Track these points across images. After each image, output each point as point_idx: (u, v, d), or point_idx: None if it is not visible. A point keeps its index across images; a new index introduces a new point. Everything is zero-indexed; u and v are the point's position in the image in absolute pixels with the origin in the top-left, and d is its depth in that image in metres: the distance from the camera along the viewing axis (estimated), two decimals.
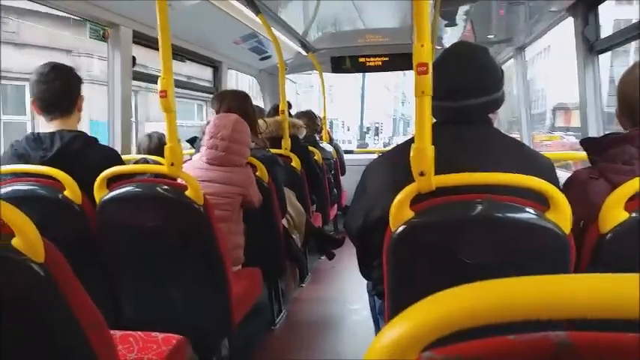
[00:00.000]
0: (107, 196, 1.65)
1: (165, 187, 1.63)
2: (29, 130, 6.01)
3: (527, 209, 1.06)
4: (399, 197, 1.08)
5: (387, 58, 4.96)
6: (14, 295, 0.99)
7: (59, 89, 1.74)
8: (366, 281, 1.55)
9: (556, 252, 1.08)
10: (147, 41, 2.89)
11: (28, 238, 0.95)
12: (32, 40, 6.46)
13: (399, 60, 4.94)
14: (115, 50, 2.69)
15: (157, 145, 2.74)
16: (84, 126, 6.22)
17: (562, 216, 1.05)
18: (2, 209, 0.99)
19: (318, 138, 4.55)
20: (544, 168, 1.20)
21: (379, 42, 4.70)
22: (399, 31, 4.34)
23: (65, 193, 1.63)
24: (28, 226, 0.96)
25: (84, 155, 1.71)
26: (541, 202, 1.07)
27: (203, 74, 6.80)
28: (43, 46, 6.60)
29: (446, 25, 3.94)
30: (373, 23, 4.21)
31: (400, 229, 1.08)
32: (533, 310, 0.35)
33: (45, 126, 1.77)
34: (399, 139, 12.95)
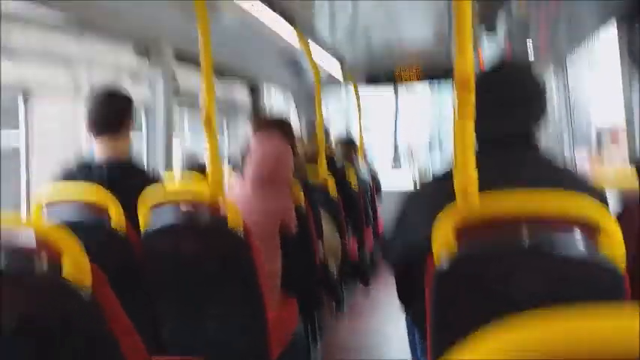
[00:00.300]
0: (150, 224, 1.67)
1: (207, 213, 1.65)
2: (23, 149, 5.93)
3: (579, 239, 1.01)
4: (441, 221, 1.04)
5: (421, 69, 4.95)
6: (59, 319, 1.02)
7: (108, 112, 1.82)
8: (405, 312, 1.51)
9: (609, 284, 1.02)
10: (187, 59, 2.95)
11: (76, 262, 0.98)
12: (24, 49, 5.84)
13: (434, 70, 4.91)
14: (157, 68, 2.75)
15: (195, 167, 2.81)
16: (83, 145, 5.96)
17: (615, 246, 1.00)
18: (51, 232, 1.02)
19: (353, 162, 4.53)
20: (594, 193, 1.15)
21: (414, 54, 4.68)
22: (433, 42, 4.30)
23: (109, 217, 1.67)
24: (75, 249, 0.99)
25: (127, 179, 1.76)
26: (592, 224, 1.02)
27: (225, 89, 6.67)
28: (37, 55, 5.99)
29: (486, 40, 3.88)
30: (407, 36, 4.20)
31: (443, 259, 1.05)
32: (596, 343, 0.33)
33: (96, 149, 1.83)
34: (435, 159, 12.68)
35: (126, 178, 1.77)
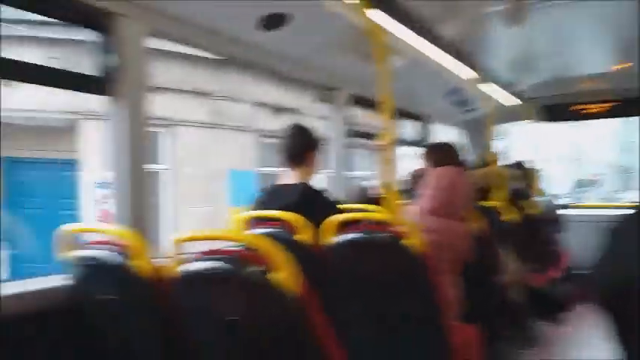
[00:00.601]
0: (335, 241, 1.78)
1: (388, 234, 1.70)
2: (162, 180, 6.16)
3: None
4: None
5: (609, 105, 4.40)
6: (271, 322, 1.15)
7: (294, 145, 2.04)
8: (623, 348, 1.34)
9: None
10: (361, 102, 3.16)
11: (288, 273, 1.11)
12: (166, 83, 5.93)
13: (625, 106, 4.32)
14: (334, 111, 3.03)
15: (363, 198, 2.92)
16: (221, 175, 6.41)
17: None
18: (266, 246, 1.18)
19: (529, 191, 4.25)
20: None
21: (600, 87, 4.23)
22: (624, 74, 3.84)
23: (298, 235, 1.82)
24: (288, 262, 1.12)
25: (311, 203, 1.92)
26: None
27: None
28: (177, 89, 6.23)
29: None
30: (592, 68, 3.83)
31: None
32: None
33: (287, 175, 2.05)
34: (624, 195, 11.08)
35: (311, 200, 1.93)
